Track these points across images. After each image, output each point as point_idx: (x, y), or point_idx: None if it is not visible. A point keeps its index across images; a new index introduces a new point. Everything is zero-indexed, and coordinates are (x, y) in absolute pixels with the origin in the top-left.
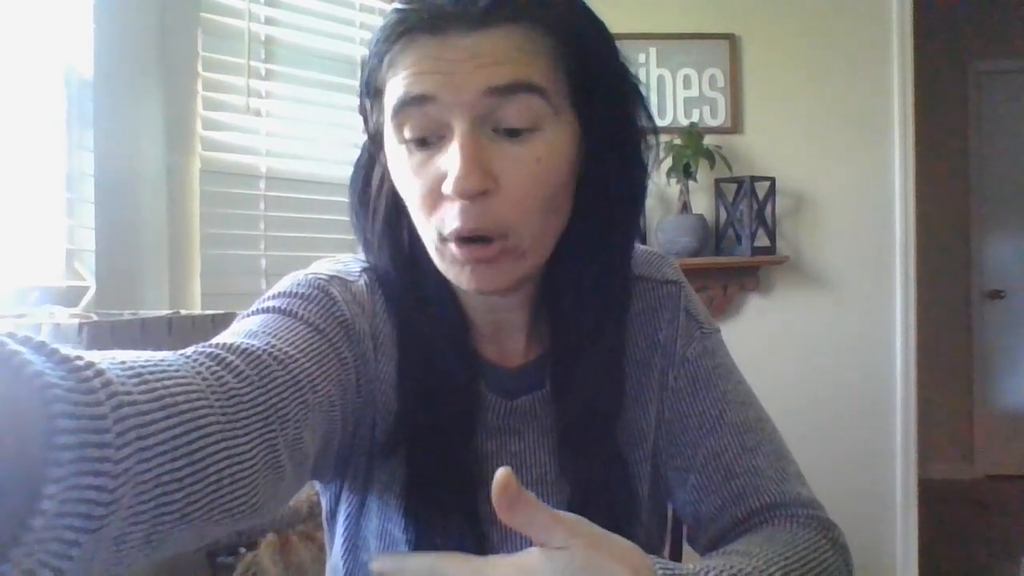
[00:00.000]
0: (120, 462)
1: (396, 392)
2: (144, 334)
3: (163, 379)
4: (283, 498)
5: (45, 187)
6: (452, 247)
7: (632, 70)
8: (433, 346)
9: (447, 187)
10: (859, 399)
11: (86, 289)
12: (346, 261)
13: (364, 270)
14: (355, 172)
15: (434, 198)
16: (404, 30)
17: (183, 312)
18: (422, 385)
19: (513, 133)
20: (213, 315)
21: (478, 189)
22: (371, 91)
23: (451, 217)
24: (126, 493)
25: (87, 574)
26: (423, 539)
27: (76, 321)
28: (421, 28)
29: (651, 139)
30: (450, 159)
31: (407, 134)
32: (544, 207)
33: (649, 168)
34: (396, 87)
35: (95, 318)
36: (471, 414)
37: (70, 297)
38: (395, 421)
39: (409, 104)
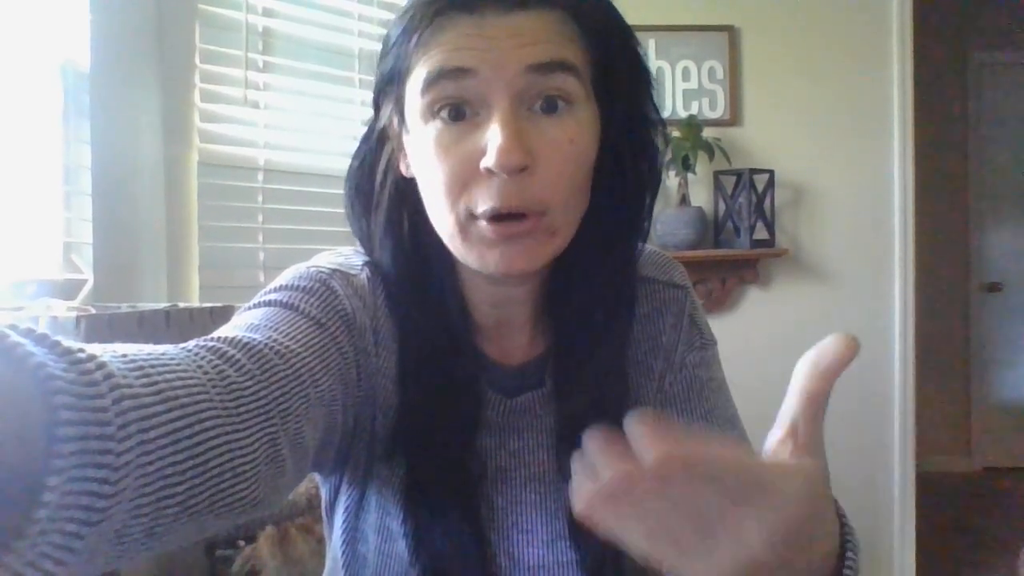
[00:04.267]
0: (122, 454)
1: (396, 387)
2: (142, 327)
3: (164, 372)
4: (284, 491)
5: (42, 180)
6: (482, 225)
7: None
8: (434, 342)
9: (488, 161)
10: (857, 392)
11: (84, 282)
12: (348, 254)
13: (366, 264)
14: (356, 164)
15: (466, 176)
16: (438, 10)
17: (181, 305)
18: (422, 381)
19: (550, 110)
20: (211, 308)
21: (521, 164)
22: (393, 75)
23: (487, 195)
24: (128, 485)
25: (89, 566)
26: (421, 535)
27: (74, 314)
28: (456, 7)
29: (662, 135)
30: (491, 135)
31: (438, 109)
32: (575, 188)
33: (661, 162)
34: (430, 62)
35: (93, 311)
36: (471, 411)
37: (68, 290)
38: (395, 417)
39: (445, 77)
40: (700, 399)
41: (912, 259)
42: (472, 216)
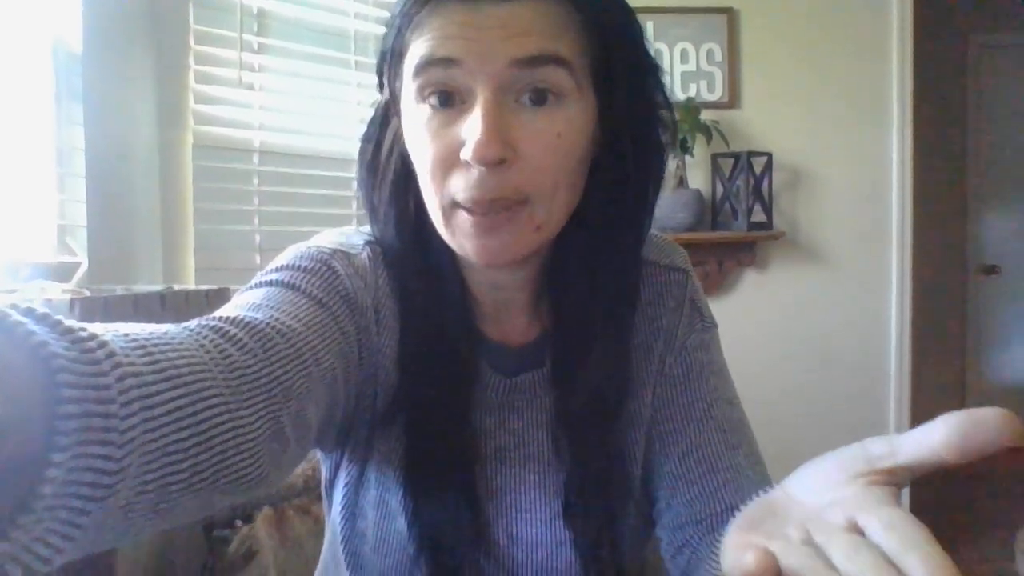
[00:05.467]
0: (125, 432)
1: (397, 365)
2: (137, 310)
3: (167, 351)
4: (287, 468)
5: (35, 163)
6: (462, 215)
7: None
8: (434, 319)
9: (466, 153)
10: (854, 374)
11: (78, 265)
12: (349, 234)
13: (367, 243)
14: (365, 138)
15: (449, 163)
16: None
17: (176, 287)
18: (422, 357)
19: (538, 102)
20: (207, 291)
21: (497, 157)
22: (393, 53)
23: (466, 184)
24: (132, 462)
25: (97, 542)
26: (420, 511)
27: (68, 297)
28: None
29: (668, 123)
30: (471, 126)
31: (428, 94)
32: (560, 182)
33: (666, 154)
34: (420, 48)
35: (87, 294)
36: (469, 388)
37: (62, 273)
38: (394, 393)
39: (433, 65)
40: (700, 381)
41: (910, 242)
42: (454, 204)
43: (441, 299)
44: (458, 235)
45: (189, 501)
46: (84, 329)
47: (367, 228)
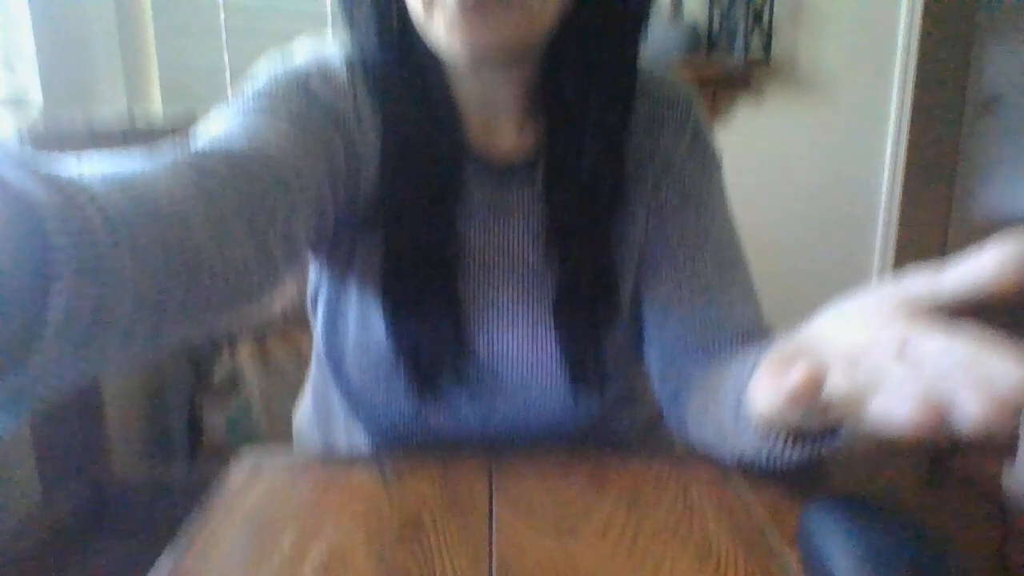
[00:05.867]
0: (117, 271)
1: (379, 172)
2: (96, 147)
3: (147, 191)
4: (280, 283)
5: None
6: (447, 4)
7: None
8: (418, 128)
9: None
10: (844, 205)
11: (31, 95)
12: (327, 45)
13: (346, 58)
14: None
15: None
16: None
17: (139, 123)
18: (404, 163)
19: None
20: (173, 129)
21: None
22: None
23: None
24: (126, 297)
25: (102, 368)
26: (399, 318)
27: (19, 131)
28: None
29: None
30: None
31: None
32: None
33: None
34: None
35: (41, 129)
36: (453, 196)
37: (13, 107)
38: (377, 197)
39: None
40: (699, 210)
41: (913, 73)
42: None
43: (426, 107)
44: (442, 28)
45: (186, 325)
46: (62, 174)
47: (346, 39)
